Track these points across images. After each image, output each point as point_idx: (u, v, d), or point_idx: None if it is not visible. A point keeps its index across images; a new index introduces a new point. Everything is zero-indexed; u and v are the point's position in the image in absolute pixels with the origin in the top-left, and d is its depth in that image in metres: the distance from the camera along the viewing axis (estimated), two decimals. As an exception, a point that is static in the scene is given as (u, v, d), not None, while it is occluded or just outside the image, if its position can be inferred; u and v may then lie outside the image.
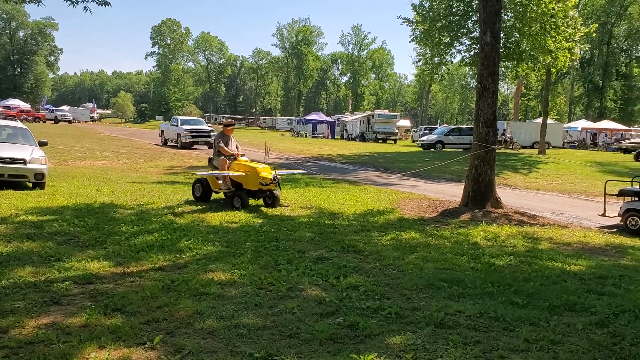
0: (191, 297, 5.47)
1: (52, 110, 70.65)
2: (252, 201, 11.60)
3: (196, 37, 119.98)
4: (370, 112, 63.40)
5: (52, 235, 7.95)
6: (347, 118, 64.18)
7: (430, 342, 4.48)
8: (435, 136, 41.54)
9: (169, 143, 33.78)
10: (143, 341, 4.34)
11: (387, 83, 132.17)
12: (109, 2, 12.03)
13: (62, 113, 68.21)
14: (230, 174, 11.41)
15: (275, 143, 38.44)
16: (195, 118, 44.12)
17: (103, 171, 18.79)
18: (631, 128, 55.23)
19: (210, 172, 11.94)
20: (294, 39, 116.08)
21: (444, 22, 24.96)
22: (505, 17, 22.36)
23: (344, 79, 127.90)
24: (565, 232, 10.42)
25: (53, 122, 61.71)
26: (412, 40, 26.88)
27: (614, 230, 11.23)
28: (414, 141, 55.22)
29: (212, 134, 32.06)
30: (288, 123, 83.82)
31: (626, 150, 38.26)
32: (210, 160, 12.54)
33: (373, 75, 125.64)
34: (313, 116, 72.36)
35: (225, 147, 11.91)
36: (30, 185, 12.77)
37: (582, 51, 37.60)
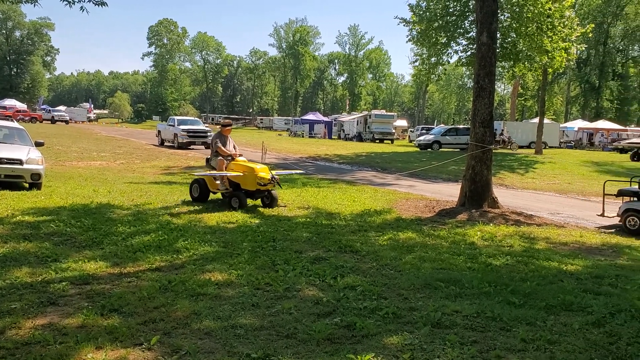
0: (188, 297, 5.47)
1: (49, 110, 70.39)
2: (249, 201, 11.58)
3: (193, 37, 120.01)
4: (367, 112, 63.39)
5: (49, 235, 7.94)
6: (344, 118, 64.15)
7: (427, 342, 4.49)
8: (432, 136, 41.57)
9: (165, 143, 33.72)
10: (140, 342, 4.33)
11: (384, 83, 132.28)
12: (106, 2, 12.03)
13: (59, 113, 67.93)
14: (228, 174, 11.39)
15: (272, 143, 38.41)
16: (192, 118, 44.06)
17: (100, 171, 18.77)
18: (627, 128, 55.38)
19: (208, 172, 11.92)
20: (291, 39, 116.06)
21: (440, 22, 24.97)
22: (502, 17, 22.41)
23: (341, 79, 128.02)
24: (562, 232, 10.44)
25: (50, 122, 61.52)
26: (409, 40, 26.88)
27: (613, 230, 11.25)
28: (411, 141, 55.23)
29: (209, 134, 32.05)
30: (285, 123, 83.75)
31: (622, 150, 38.33)
32: (207, 160, 12.52)
33: (370, 75, 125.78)
34: (310, 116, 72.31)
35: (222, 148, 11.89)
36: (26, 185, 12.74)
37: (578, 51, 37.78)
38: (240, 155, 12.21)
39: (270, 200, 11.60)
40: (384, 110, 71.12)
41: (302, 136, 59.54)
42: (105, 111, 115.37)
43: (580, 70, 67.15)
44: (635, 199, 11.44)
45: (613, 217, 11.71)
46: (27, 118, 58.67)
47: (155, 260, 6.88)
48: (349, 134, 57.18)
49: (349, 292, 5.82)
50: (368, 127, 53.14)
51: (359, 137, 53.41)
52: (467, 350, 4.34)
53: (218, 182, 11.67)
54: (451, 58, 27.19)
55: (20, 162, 12.33)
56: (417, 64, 31.24)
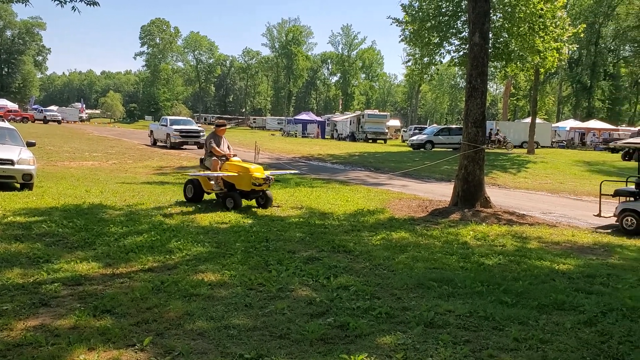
0: (181, 298, 5.45)
1: (41, 110, 70.01)
2: (243, 202, 11.54)
3: (185, 36, 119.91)
4: (360, 112, 63.48)
5: (41, 236, 7.90)
6: (337, 118, 64.19)
7: (420, 342, 4.50)
8: (425, 136, 41.66)
9: (158, 143, 33.60)
10: (133, 343, 4.32)
11: (377, 83, 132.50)
12: (97, 2, 11.98)
13: (52, 113, 67.53)
14: (223, 175, 11.36)
15: (265, 143, 38.38)
16: (185, 118, 43.91)
17: (92, 172, 18.69)
18: (619, 128, 55.68)
19: (203, 172, 11.87)
20: (284, 38, 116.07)
21: (433, 22, 25.00)
22: (494, 17, 22.44)
23: (334, 78, 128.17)
24: (554, 232, 10.49)
25: (42, 122, 61.18)
26: (402, 40, 26.86)
27: (609, 230, 11.30)
28: (403, 141, 55.37)
29: (201, 134, 31.96)
30: (278, 123, 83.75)
31: (614, 150, 38.55)
32: (201, 160, 12.47)
33: (363, 75, 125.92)
34: (303, 116, 72.31)
35: (217, 148, 11.85)
36: (18, 186, 12.68)
37: (570, 51, 37.93)
38: (235, 155, 12.16)
39: (264, 201, 11.57)
40: (377, 110, 71.27)
41: (295, 136, 59.55)
42: (98, 111, 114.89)
43: (572, 70, 67.52)
44: (632, 198, 11.48)
45: (609, 217, 11.73)
46: (18, 118, 58.27)
47: (148, 260, 6.86)
48: (342, 134, 57.23)
49: (342, 292, 5.83)
50: (361, 127, 53.20)
51: (352, 137, 53.47)
52: (460, 350, 4.35)
53: (212, 182, 11.63)
54: (444, 58, 27.22)
55: (12, 162, 12.26)
56: (409, 64, 31.26)
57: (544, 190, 19.10)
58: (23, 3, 12.67)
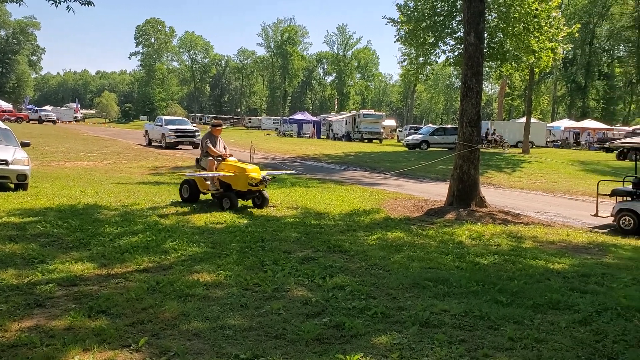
0: (176, 298, 5.44)
1: (36, 110, 69.76)
2: (239, 202, 11.52)
3: (181, 36, 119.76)
4: (355, 111, 63.54)
5: (35, 237, 7.87)
6: (332, 118, 64.21)
7: (415, 342, 4.51)
8: (420, 136, 41.71)
9: (153, 143, 33.53)
10: (128, 343, 4.31)
11: (372, 83, 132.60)
12: (92, 2, 11.92)
13: (47, 113, 67.29)
14: (220, 175, 11.34)
15: (260, 143, 38.37)
16: (180, 118, 43.81)
17: (87, 172, 18.64)
18: (613, 127, 55.87)
19: (200, 172, 11.82)
20: (279, 38, 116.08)
21: (428, 22, 25.07)
22: (489, 17, 22.51)
23: (330, 78, 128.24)
24: (549, 231, 10.52)
25: (37, 122, 60.98)
26: (397, 40, 26.96)
27: (607, 230, 11.33)
28: (399, 141, 55.39)
29: (196, 134, 31.92)
30: (273, 123, 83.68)
31: (608, 149, 38.68)
32: (197, 161, 12.43)
33: (358, 75, 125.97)
34: (299, 116, 72.31)
35: (213, 148, 11.82)
36: (12, 186, 12.63)
37: (564, 51, 38.03)
38: (231, 155, 12.14)
39: (261, 201, 11.55)
40: (373, 110, 71.33)
41: (291, 136, 59.51)
42: (92, 111, 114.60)
43: (567, 70, 67.74)
44: (629, 198, 11.51)
45: (607, 217, 11.76)
46: (12, 118, 58.07)
47: (143, 261, 6.84)
48: (337, 134, 57.24)
49: (337, 292, 5.83)
50: (357, 127, 53.24)
51: (348, 137, 53.50)
52: (456, 350, 4.36)
53: (208, 182, 11.61)
54: (439, 58, 27.36)
55: (6, 162, 12.20)
56: (405, 63, 31.40)
57: (538, 190, 19.14)
58: (17, 3, 12.59)
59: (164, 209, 10.75)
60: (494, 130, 41.76)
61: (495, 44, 23.58)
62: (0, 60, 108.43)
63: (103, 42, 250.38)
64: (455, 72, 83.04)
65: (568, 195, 17.84)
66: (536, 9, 20.69)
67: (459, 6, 23.92)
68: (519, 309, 5.45)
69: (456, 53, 25.67)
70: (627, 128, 51.06)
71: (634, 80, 65.83)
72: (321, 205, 12.17)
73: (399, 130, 65.38)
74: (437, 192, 15.95)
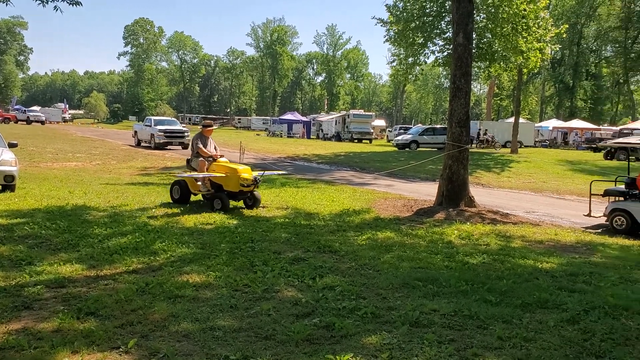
0: (166, 299, 5.42)
1: (24, 110, 69.21)
2: (231, 203, 11.48)
3: (170, 36, 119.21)
4: (345, 111, 63.60)
5: (23, 238, 7.81)
6: (322, 118, 64.25)
7: (405, 342, 4.52)
8: (410, 136, 41.86)
9: (142, 144, 33.38)
10: (117, 345, 4.29)
11: (362, 83, 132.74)
12: (80, 2, 11.83)
13: (35, 114, 66.77)
14: (211, 176, 11.29)
15: (250, 143, 38.31)
16: (169, 118, 43.66)
17: (75, 173, 18.51)
18: (600, 127, 56.31)
19: (191, 173, 11.75)
20: (269, 38, 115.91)
21: (417, 22, 25.12)
22: (478, 18, 22.63)
23: (319, 78, 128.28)
24: (537, 230, 10.58)
25: (25, 122, 60.49)
26: (387, 40, 26.99)
27: (599, 230, 11.41)
28: (389, 141, 55.57)
29: (186, 134, 31.81)
30: (263, 123, 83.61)
31: (596, 149, 38.99)
32: (188, 161, 12.36)
33: (348, 75, 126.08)
34: (288, 116, 72.25)
35: (203, 149, 11.77)
36: (-1, 187, 12.53)
37: (552, 51, 38.27)
38: (222, 156, 12.09)
39: (252, 202, 11.52)
40: (362, 110, 71.49)
41: (281, 136, 59.49)
42: (81, 111, 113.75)
43: (555, 70, 68.21)
44: (622, 198, 11.58)
45: (599, 217, 11.83)
46: (0, 119, 57.58)
47: (132, 262, 6.81)
48: (327, 134, 57.30)
49: (327, 292, 5.83)
50: (346, 127, 53.33)
51: (338, 137, 53.57)
52: (445, 349, 4.37)
53: (199, 183, 11.55)
54: (428, 58, 27.37)
55: (-7, 163, 12.10)
56: (394, 64, 31.46)
57: (527, 190, 19.27)
58: (4, 2, 12.44)
59: (153, 210, 10.70)
60: (486, 130, 41.99)
61: (484, 45, 23.68)
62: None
63: (91, 42, 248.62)
64: (445, 73, 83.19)
65: (556, 195, 17.96)
66: (524, 10, 20.80)
67: (447, 7, 23.99)
68: (508, 308, 5.48)
69: (445, 53, 25.74)
70: (614, 128, 51.54)
71: (621, 81, 66.42)
72: (311, 206, 12.17)
73: (389, 131, 65.59)
74: (427, 192, 16.01)
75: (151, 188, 14.50)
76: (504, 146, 41.07)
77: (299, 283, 6.17)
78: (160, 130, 31.59)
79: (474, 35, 15.62)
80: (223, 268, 6.64)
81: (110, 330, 4.56)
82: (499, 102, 66.24)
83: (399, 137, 43.21)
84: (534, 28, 21.71)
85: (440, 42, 26.19)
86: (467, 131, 12.82)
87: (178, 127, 34.10)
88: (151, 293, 5.60)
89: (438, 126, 47.74)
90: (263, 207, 11.70)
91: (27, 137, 32.42)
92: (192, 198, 12.04)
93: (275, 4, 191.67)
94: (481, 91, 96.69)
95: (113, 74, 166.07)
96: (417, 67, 27.87)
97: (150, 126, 32.97)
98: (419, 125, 66.47)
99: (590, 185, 12.61)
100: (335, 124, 56.16)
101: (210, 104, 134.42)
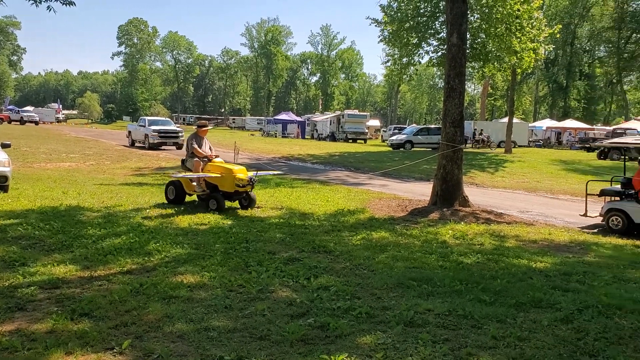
0: (160, 300, 5.41)
1: (18, 111, 68.92)
2: (226, 203, 11.45)
3: (164, 36, 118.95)
4: (340, 112, 63.62)
5: (17, 239, 7.77)
6: (317, 118, 64.23)
7: (400, 341, 4.52)
8: (404, 136, 41.89)
9: (136, 144, 33.26)
10: (111, 346, 4.28)
11: (356, 83, 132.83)
12: (74, 2, 11.82)
13: (29, 114, 66.54)
14: (206, 176, 11.26)
15: (244, 143, 38.25)
16: (163, 118, 43.50)
17: (69, 173, 18.45)
18: (594, 127, 56.52)
19: (186, 174, 11.72)
20: (263, 38, 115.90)
21: (411, 23, 25.20)
22: (472, 18, 22.70)
23: (314, 78, 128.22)
24: (531, 230, 10.62)
25: (19, 123, 60.21)
26: (381, 40, 27.08)
27: (595, 230, 11.45)
28: (383, 141, 55.55)
29: (180, 134, 31.74)
30: (258, 123, 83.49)
31: (589, 149, 39.14)
32: (183, 162, 12.32)
33: (342, 75, 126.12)
34: (283, 116, 72.26)
35: (198, 149, 11.73)
36: (-7, 188, 12.46)
37: (546, 52, 38.43)
38: (217, 156, 12.05)
39: (248, 202, 11.48)
40: (357, 110, 71.55)
41: (275, 136, 59.46)
42: (75, 112, 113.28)
43: (548, 71, 68.46)
44: (618, 198, 11.62)
45: (596, 217, 11.87)
46: (-7, 119, 57.36)
47: (127, 263, 6.79)
48: (322, 134, 57.29)
49: (322, 292, 5.83)
50: (341, 127, 53.36)
51: (332, 137, 53.58)
52: (439, 349, 4.38)
53: (194, 183, 11.52)
54: (422, 58, 27.50)
55: (-14, 164, 12.04)
56: (389, 64, 31.50)
57: (521, 189, 19.32)
58: (-3, 2, 12.42)
59: (148, 210, 10.67)
60: (481, 130, 42.09)
61: (478, 45, 23.77)
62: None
63: (85, 42, 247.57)
64: (439, 73, 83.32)
65: (550, 195, 18.02)
66: (518, 10, 20.90)
67: (441, 7, 24.07)
68: (502, 307, 5.50)
69: (439, 54, 25.84)
70: (607, 128, 51.71)
71: (614, 81, 66.66)
72: (306, 206, 12.17)
73: (383, 130, 65.58)
74: (421, 191, 16.03)
75: (145, 188, 14.46)
76: (498, 146, 41.19)
77: (293, 283, 6.17)
78: (154, 131, 31.49)
79: (467, 36, 15.69)
80: (217, 268, 6.63)
81: (104, 331, 4.55)
82: (493, 102, 66.43)
83: (394, 137, 43.24)
84: (527, 28, 21.81)
85: (435, 43, 26.31)
86: (461, 131, 12.85)
87: (172, 127, 34.00)
88: (145, 294, 5.58)
89: (432, 126, 47.80)
90: (257, 207, 11.68)
91: (21, 138, 32.29)
92: (187, 198, 12.01)
93: (270, 4, 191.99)
94: (475, 91, 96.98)
95: (107, 74, 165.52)
96: (412, 67, 27.99)
97: (144, 126, 32.87)
98: (414, 125, 66.56)
99: (587, 185, 12.64)
100: (330, 124, 56.17)
101: (205, 104, 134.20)
